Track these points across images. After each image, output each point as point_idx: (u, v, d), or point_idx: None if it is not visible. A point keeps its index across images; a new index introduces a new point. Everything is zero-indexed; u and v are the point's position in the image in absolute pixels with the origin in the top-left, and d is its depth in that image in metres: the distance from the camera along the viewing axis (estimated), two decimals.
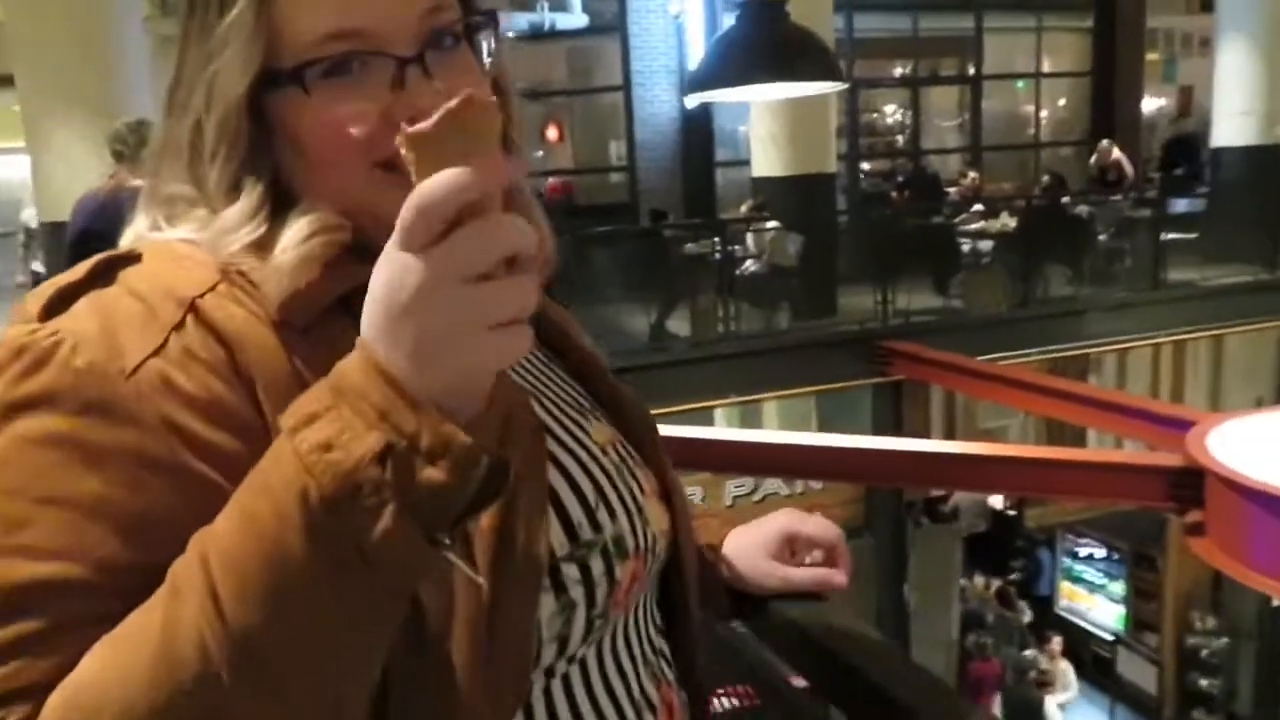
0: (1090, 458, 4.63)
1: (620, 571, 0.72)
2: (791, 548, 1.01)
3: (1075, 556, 9.39)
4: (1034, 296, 7.42)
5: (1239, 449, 3.11)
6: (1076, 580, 9.42)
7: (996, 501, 9.25)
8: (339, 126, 0.64)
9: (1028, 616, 8.95)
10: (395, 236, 0.52)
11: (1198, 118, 12.64)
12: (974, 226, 8.14)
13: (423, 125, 0.52)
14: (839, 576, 1.00)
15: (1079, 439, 7.87)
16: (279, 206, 0.66)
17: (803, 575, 1.00)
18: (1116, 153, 10.12)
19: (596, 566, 0.70)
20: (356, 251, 0.64)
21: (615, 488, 0.75)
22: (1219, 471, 2.98)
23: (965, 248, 7.85)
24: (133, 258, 0.65)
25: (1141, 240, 7.96)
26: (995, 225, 7.96)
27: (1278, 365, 8.99)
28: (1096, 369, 8.48)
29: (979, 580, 9.08)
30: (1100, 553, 9.14)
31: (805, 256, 7.22)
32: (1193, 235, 8.55)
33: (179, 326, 0.59)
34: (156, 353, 0.58)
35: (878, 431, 6.69)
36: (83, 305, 0.61)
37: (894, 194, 11.09)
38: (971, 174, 10.41)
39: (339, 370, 0.53)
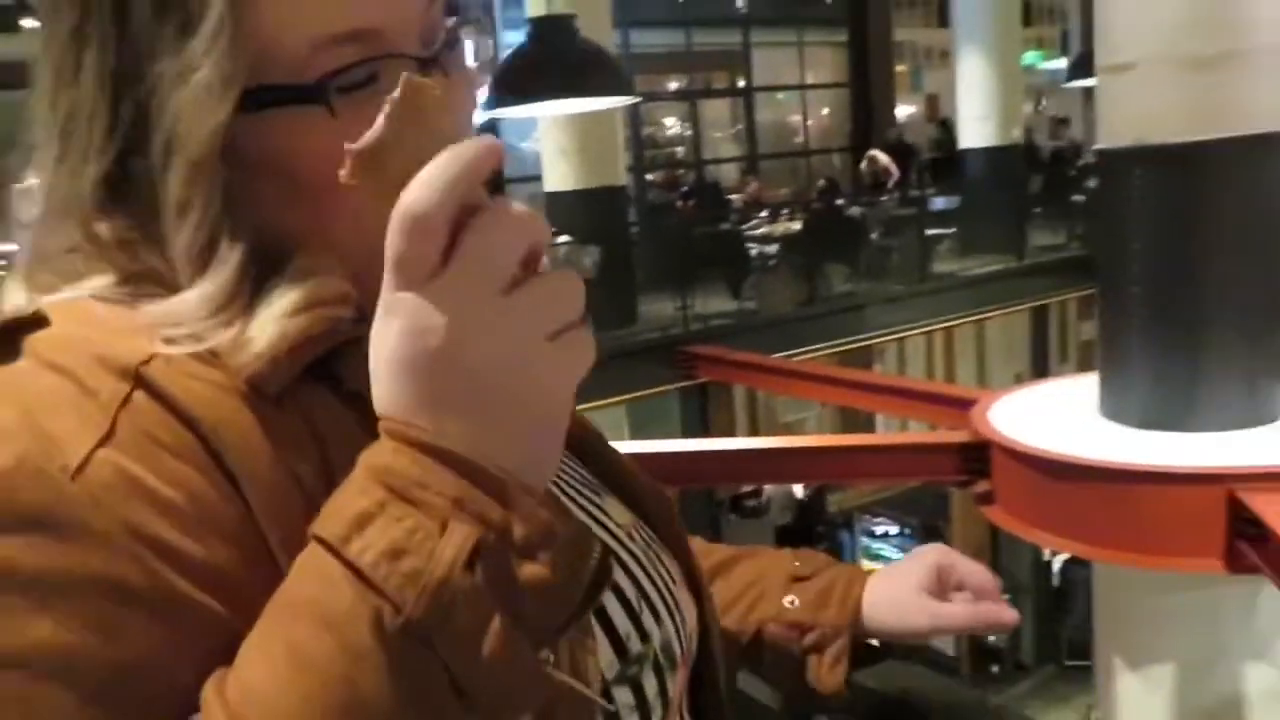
0: (888, 441, 4.95)
1: (672, 685, 0.60)
2: (942, 584, 0.84)
3: (872, 535, 9.98)
4: (819, 294, 7.82)
5: (1019, 421, 3.41)
6: (874, 558, 9.99)
7: (799, 491, 9.73)
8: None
9: None
10: (389, 278, 0.41)
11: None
12: (760, 231, 8.53)
13: (371, 134, 0.42)
14: (1008, 613, 0.82)
15: (869, 425, 8.40)
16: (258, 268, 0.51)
17: (962, 612, 0.83)
18: (884, 158, 10.91)
19: (650, 685, 0.58)
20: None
21: (654, 581, 0.62)
22: (1004, 443, 3.24)
23: (753, 252, 8.19)
24: (35, 321, 0.49)
25: (908, 237, 8.58)
26: (779, 229, 8.38)
27: (1031, 344, 9.95)
28: (880, 358, 9.10)
29: None
30: (894, 530, 9.75)
31: (603, 268, 7.33)
32: (951, 230, 9.30)
33: (126, 403, 0.45)
34: (104, 441, 0.44)
35: (688, 434, 6.88)
36: None
37: (680, 204, 11.46)
38: (753, 182, 10.89)
39: (375, 455, 0.42)
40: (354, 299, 0.51)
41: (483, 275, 0.41)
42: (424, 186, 0.40)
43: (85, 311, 0.50)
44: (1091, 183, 9.05)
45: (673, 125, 13.70)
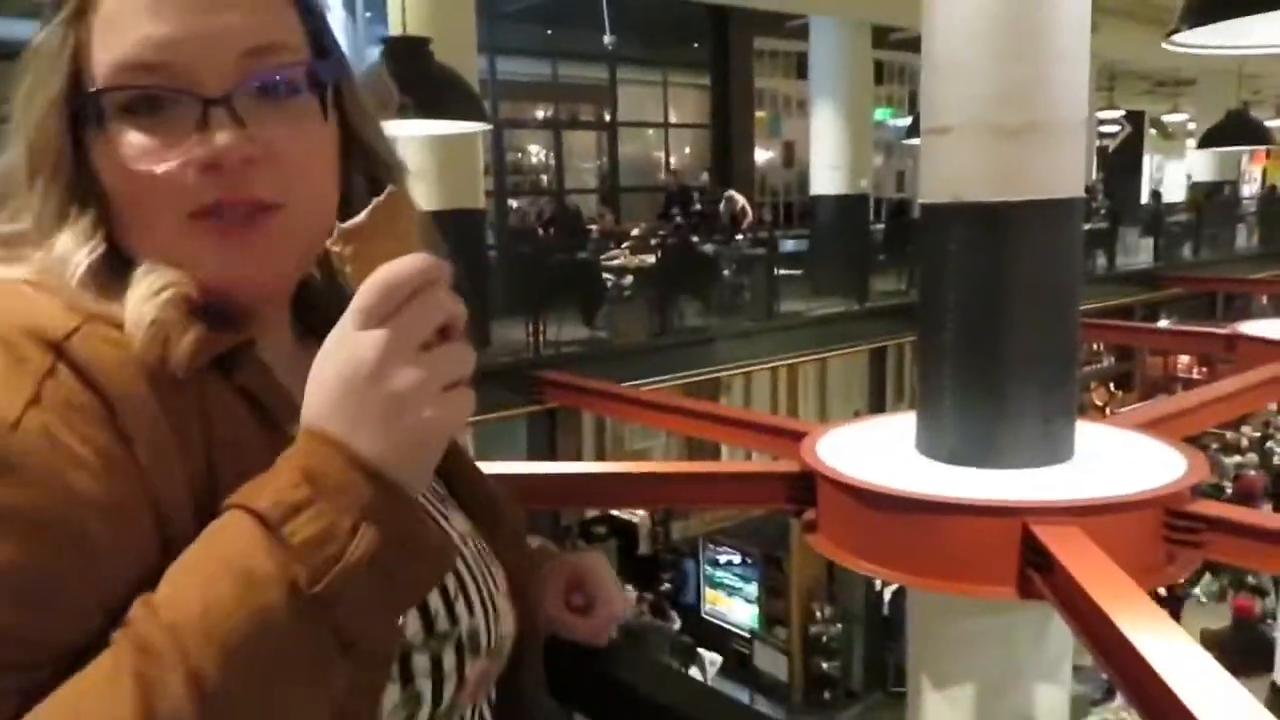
0: (723, 469, 5.11)
1: (470, 668, 0.70)
2: (571, 589, 0.94)
3: (716, 564, 10.16)
4: (671, 327, 7.96)
5: (842, 454, 3.59)
6: (717, 586, 10.19)
7: (644, 519, 9.85)
8: (138, 166, 0.60)
9: (677, 624, 9.56)
10: (351, 318, 0.55)
11: (798, 169, 14.36)
12: (616, 262, 8.66)
13: (356, 220, 0.56)
14: (602, 634, 0.94)
15: (714, 453, 8.61)
16: (116, 264, 0.62)
17: (577, 625, 0.93)
18: (741, 199, 11.25)
19: (448, 660, 0.67)
20: (208, 314, 0.61)
21: (475, 581, 0.72)
22: (826, 474, 3.40)
23: (609, 282, 8.30)
24: None
25: (759, 276, 8.85)
26: (635, 261, 8.53)
27: (869, 382, 10.41)
28: (726, 390, 9.35)
29: (632, 593, 9.58)
30: (736, 559, 9.96)
31: (456, 290, 7.27)
32: (799, 272, 9.66)
33: (50, 374, 0.54)
34: (31, 403, 0.53)
35: (533, 458, 6.89)
36: None
37: (539, 230, 11.51)
38: (608, 214, 11.02)
39: (306, 458, 0.54)
40: (191, 282, 0.61)
41: (410, 334, 0.55)
42: (402, 268, 0.55)
43: (13, 290, 0.59)
44: None
45: (537, 153, 13.77)
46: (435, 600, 0.67)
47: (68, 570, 0.52)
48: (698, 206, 11.77)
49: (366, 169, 0.71)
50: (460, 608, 0.69)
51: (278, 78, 0.63)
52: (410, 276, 0.55)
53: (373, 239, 0.56)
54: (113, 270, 0.61)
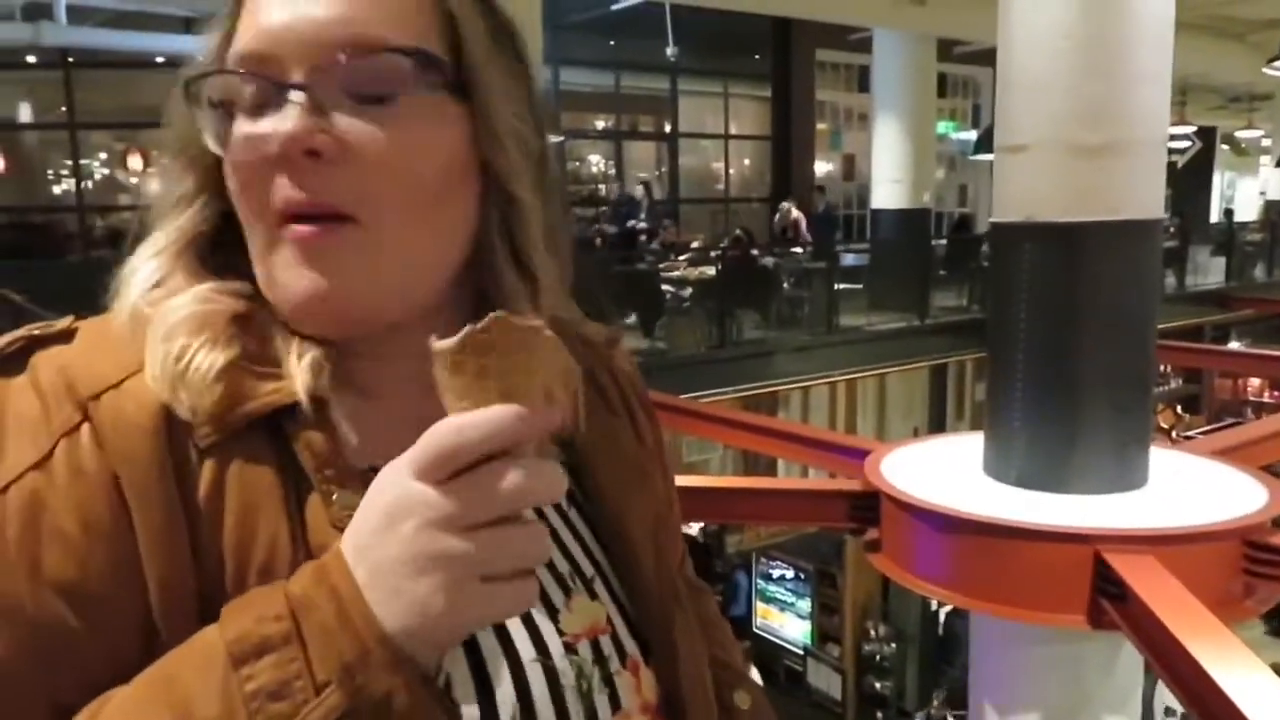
0: (786, 485, 5.08)
1: None
2: None
3: (769, 578, 10.09)
4: (729, 339, 7.95)
5: (907, 473, 3.55)
6: (769, 600, 10.11)
7: (695, 530, 9.81)
8: (232, 158, 0.56)
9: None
10: (414, 460, 0.47)
11: (858, 182, 14.26)
12: (676, 274, 8.67)
13: (446, 342, 0.47)
14: None
15: (771, 468, 8.56)
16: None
17: None
18: (795, 213, 11.21)
19: None
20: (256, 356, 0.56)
21: (558, 704, 0.58)
22: (891, 494, 3.36)
23: (668, 293, 8.31)
24: (64, 335, 0.56)
25: (818, 290, 8.80)
26: (694, 273, 8.53)
27: (929, 399, 10.29)
28: (784, 404, 9.30)
29: None
30: (790, 573, 9.88)
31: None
32: (859, 286, 9.59)
33: (71, 432, 0.51)
34: (38, 465, 0.50)
35: None
36: None
37: (599, 240, 11.57)
38: (671, 226, 11.03)
39: (306, 585, 0.48)
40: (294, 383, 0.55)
41: (465, 508, 0.46)
42: (475, 428, 0.46)
43: (103, 331, 0.56)
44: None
45: (597, 162, 13.86)
46: None
47: (12, 657, 0.49)
48: (636, 223, 11.38)
49: (500, 214, 0.61)
50: None
51: (372, 74, 0.55)
52: (480, 442, 0.46)
53: (476, 376, 0.47)
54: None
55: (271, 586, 0.49)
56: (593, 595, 0.63)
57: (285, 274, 0.55)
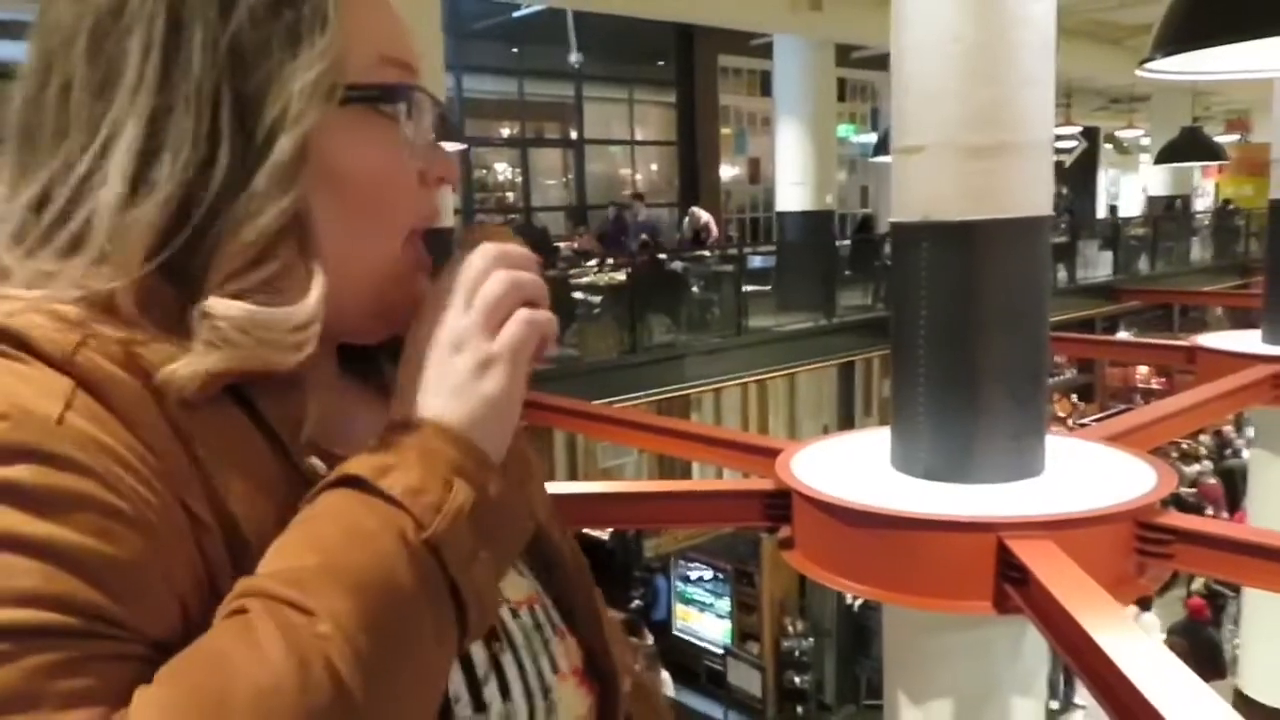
0: (698, 487, 5.10)
1: None
2: None
3: (687, 580, 10.15)
4: (640, 344, 7.98)
5: (817, 470, 3.60)
6: (689, 602, 10.17)
7: (605, 535, 9.81)
8: (402, 166, 0.61)
9: (650, 640, 9.54)
10: (435, 298, 0.59)
11: (764, 185, 14.48)
12: (585, 280, 8.67)
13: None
14: None
15: (686, 471, 8.61)
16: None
17: None
18: (705, 216, 11.32)
19: None
20: None
21: (517, 660, 0.65)
22: (803, 491, 3.41)
23: (578, 300, 8.30)
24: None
25: (727, 292, 8.90)
26: (604, 278, 8.54)
27: (838, 397, 10.49)
28: (697, 407, 9.38)
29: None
30: (708, 574, 9.96)
31: None
32: (767, 288, 9.73)
33: (72, 398, 0.50)
34: (68, 406, 0.49)
35: None
36: None
37: None
38: (585, 234, 11.02)
39: (389, 432, 0.55)
40: (303, 352, 0.56)
41: (492, 308, 0.59)
42: (488, 249, 0.61)
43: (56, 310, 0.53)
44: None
45: (503, 171, 13.77)
46: (457, 681, 0.60)
47: (139, 555, 0.49)
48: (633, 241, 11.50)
49: None
50: (491, 691, 0.62)
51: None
52: (494, 259, 0.59)
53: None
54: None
55: (365, 448, 0.55)
56: (519, 572, 0.70)
57: (405, 286, 0.62)
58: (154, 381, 0.52)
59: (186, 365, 0.53)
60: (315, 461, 0.58)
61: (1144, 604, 7.71)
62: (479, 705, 0.61)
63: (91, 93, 0.55)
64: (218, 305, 0.54)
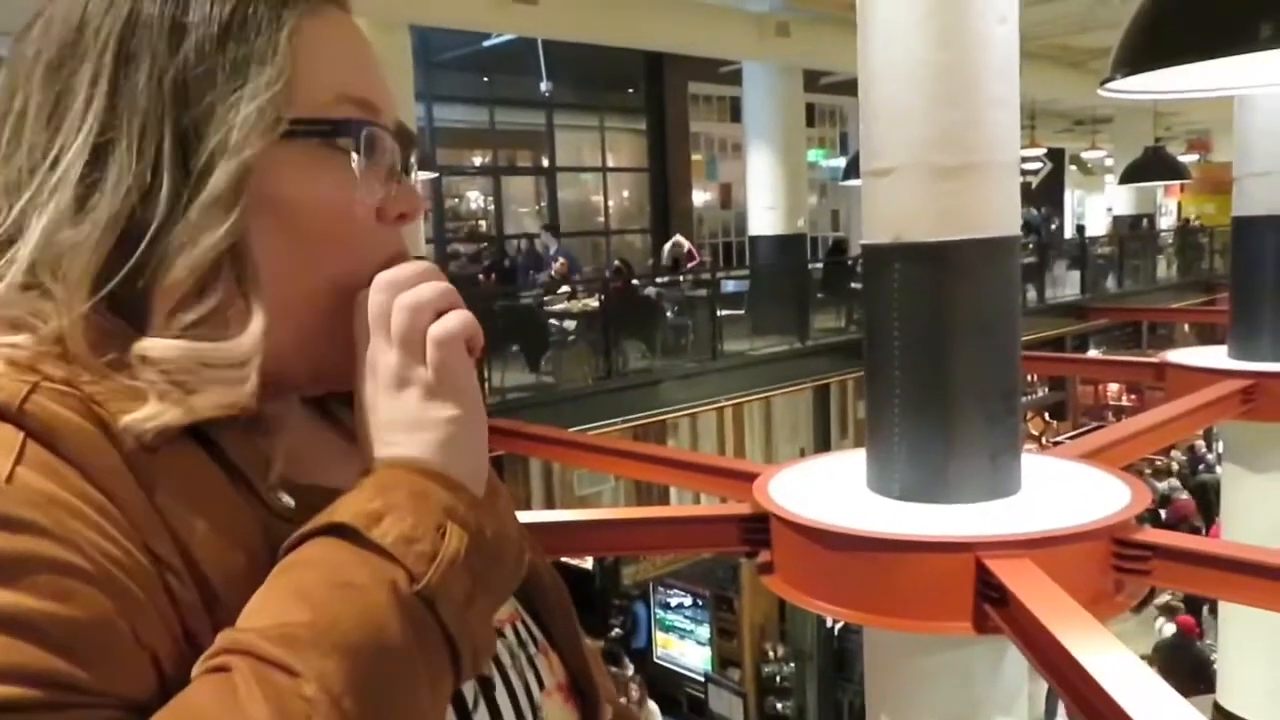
0: (676, 513, 5.09)
1: None
2: None
3: (667, 607, 10.10)
4: (615, 370, 7.98)
5: (795, 494, 3.60)
6: (669, 629, 10.12)
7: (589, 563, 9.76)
8: (352, 202, 0.59)
9: (630, 670, 9.46)
10: (370, 341, 0.57)
11: (735, 210, 14.57)
12: (559, 307, 8.66)
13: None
14: None
15: (663, 497, 8.59)
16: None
17: None
18: (687, 244, 11.39)
19: None
20: None
21: (506, 681, 0.64)
22: (780, 514, 3.40)
23: (552, 327, 8.29)
24: None
25: (701, 317, 8.91)
26: (578, 305, 8.54)
27: (814, 419, 10.51)
28: (673, 432, 9.36)
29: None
30: (687, 601, 9.92)
31: None
32: (741, 311, 9.77)
33: (23, 449, 0.48)
34: (19, 461, 0.48)
35: None
36: None
37: (481, 276, 11.47)
38: (561, 260, 11.01)
39: (374, 479, 0.54)
40: (252, 395, 0.55)
41: (410, 327, 0.57)
42: (385, 276, 0.58)
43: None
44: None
45: (476, 199, 13.77)
46: (447, 714, 0.58)
47: (103, 613, 0.46)
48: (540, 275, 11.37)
49: None
50: (481, 716, 0.61)
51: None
52: (386, 288, 0.57)
53: None
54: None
55: (350, 491, 0.54)
56: None
57: (349, 342, 0.60)
58: (112, 428, 0.51)
59: (149, 418, 0.51)
60: (285, 498, 0.56)
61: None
62: None
63: (42, 121, 0.56)
64: (154, 347, 0.53)
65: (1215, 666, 6.90)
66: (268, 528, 0.54)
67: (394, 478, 0.54)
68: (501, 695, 0.63)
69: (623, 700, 0.83)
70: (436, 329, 0.57)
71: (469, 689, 0.61)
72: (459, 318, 0.58)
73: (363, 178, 0.59)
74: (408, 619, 0.49)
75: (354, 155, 0.59)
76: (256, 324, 0.55)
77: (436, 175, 6.41)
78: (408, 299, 0.57)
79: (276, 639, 0.46)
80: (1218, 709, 6.39)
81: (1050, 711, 8.18)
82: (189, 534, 0.51)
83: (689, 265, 11.04)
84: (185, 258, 0.54)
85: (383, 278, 0.58)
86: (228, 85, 0.56)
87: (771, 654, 9.48)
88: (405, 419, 0.56)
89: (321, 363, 0.60)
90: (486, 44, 11.43)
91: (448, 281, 0.59)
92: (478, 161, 13.67)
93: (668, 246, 11.41)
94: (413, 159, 0.64)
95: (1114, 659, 2.45)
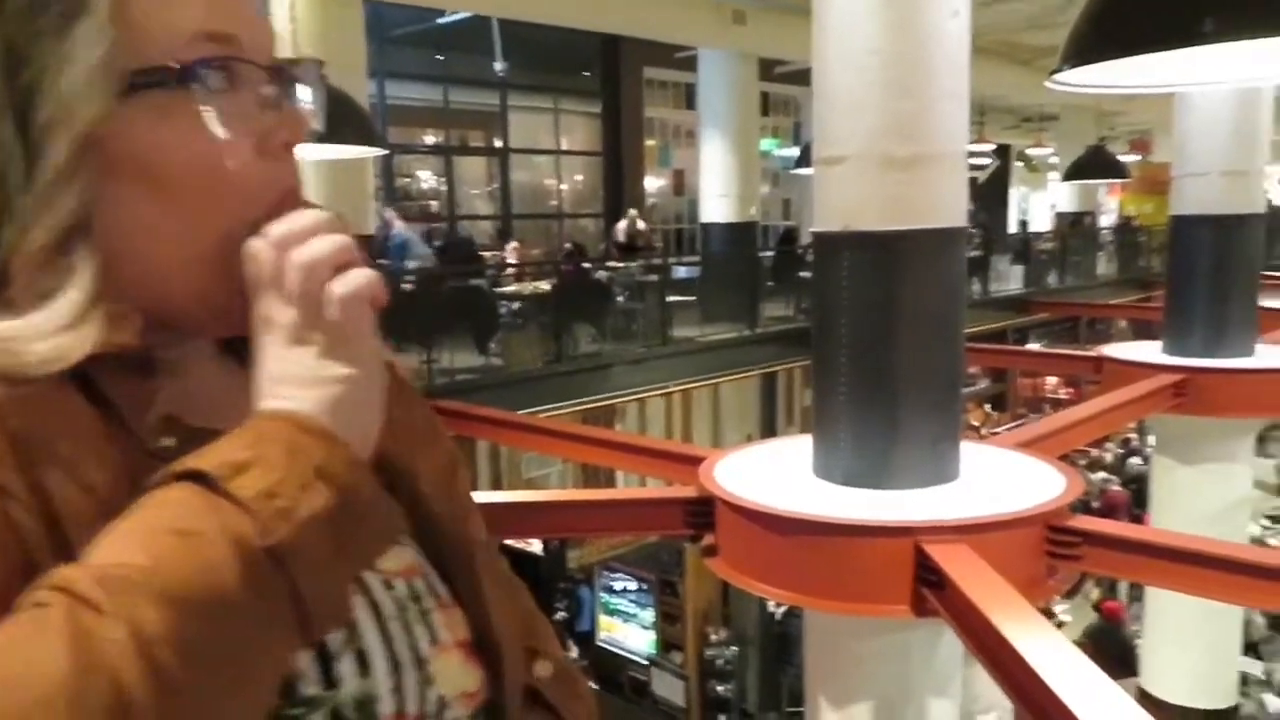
0: (621, 496, 5.10)
1: None
2: None
3: (611, 591, 10.12)
4: (565, 354, 7.96)
5: (740, 478, 3.63)
6: (613, 613, 10.15)
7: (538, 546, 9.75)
8: (218, 147, 0.56)
9: (575, 654, 9.49)
10: (262, 295, 0.55)
11: (688, 197, 14.60)
12: (510, 289, 8.61)
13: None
14: None
15: (610, 480, 8.60)
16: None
17: None
18: (641, 223, 11.37)
19: None
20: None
21: (384, 632, 0.62)
22: (725, 498, 3.43)
23: (502, 309, 8.24)
24: None
25: (652, 302, 8.92)
26: (529, 288, 8.49)
27: (761, 406, 10.60)
28: (621, 417, 9.37)
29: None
30: (632, 585, 9.95)
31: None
32: (691, 298, 9.80)
33: None
34: None
35: None
36: None
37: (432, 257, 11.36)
38: (514, 243, 10.93)
39: (253, 426, 0.53)
40: (137, 325, 0.55)
41: (307, 281, 0.55)
42: (278, 228, 0.56)
43: None
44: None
45: (428, 179, 13.62)
46: (303, 659, 0.57)
47: None
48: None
49: None
50: (345, 666, 0.59)
51: (296, 70, 0.62)
52: (287, 237, 0.55)
53: None
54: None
55: (213, 443, 0.51)
56: (401, 544, 0.67)
57: (235, 279, 0.58)
58: None
59: None
60: (165, 440, 0.56)
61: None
62: (329, 682, 0.58)
63: None
64: None
65: (1139, 652, 7.11)
66: (139, 466, 0.53)
67: (274, 430, 0.52)
68: (376, 646, 0.61)
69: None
70: (338, 288, 0.55)
71: (335, 638, 0.59)
72: (360, 275, 0.56)
73: (226, 120, 0.56)
74: (249, 574, 0.47)
75: (204, 102, 0.56)
76: (74, 293, 0.54)
77: (386, 152, 6.33)
78: (303, 256, 0.55)
79: (101, 579, 0.44)
80: (1142, 693, 6.60)
81: None
82: (42, 466, 0.50)
83: (647, 246, 11.04)
84: (37, 230, 0.53)
85: (273, 233, 0.55)
86: (56, 44, 0.54)
87: (714, 637, 9.57)
88: (298, 375, 0.54)
89: (223, 310, 0.58)
90: (441, 21, 11.29)
91: (345, 231, 0.57)
92: (430, 140, 13.51)
93: (623, 223, 11.39)
94: (295, 86, 0.61)
95: (1045, 642, 2.52)
